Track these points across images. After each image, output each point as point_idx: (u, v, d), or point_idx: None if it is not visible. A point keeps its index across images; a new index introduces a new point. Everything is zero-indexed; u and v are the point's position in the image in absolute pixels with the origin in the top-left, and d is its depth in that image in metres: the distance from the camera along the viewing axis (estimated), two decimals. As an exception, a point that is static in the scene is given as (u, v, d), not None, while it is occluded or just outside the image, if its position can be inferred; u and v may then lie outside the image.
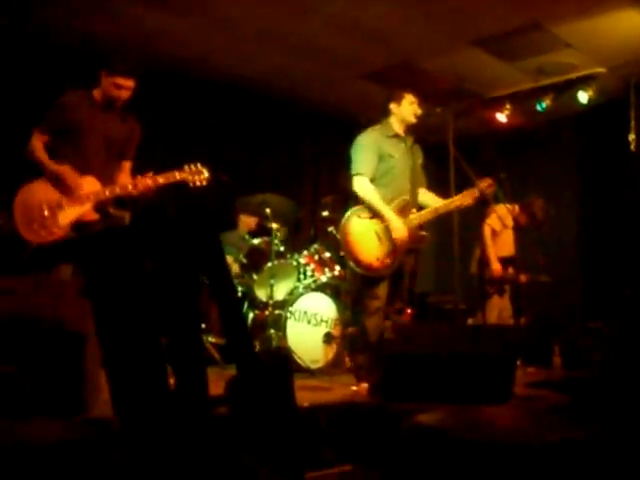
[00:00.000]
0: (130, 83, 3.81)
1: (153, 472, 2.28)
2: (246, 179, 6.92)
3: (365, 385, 4.17)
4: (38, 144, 3.77)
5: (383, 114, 4.61)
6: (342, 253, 4.58)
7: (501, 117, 7.52)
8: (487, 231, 5.98)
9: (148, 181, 3.75)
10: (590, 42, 6.24)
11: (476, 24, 5.97)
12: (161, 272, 2.59)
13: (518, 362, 4.48)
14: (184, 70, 6.71)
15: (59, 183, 3.68)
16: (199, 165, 3.84)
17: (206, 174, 3.82)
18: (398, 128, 4.55)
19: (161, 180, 3.76)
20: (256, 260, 5.76)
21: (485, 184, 4.59)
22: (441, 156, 4.80)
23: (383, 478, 2.93)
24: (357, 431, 3.44)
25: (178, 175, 3.79)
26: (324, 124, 8.05)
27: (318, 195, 7.48)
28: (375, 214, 4.38)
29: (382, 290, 4.35)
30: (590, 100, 7.00)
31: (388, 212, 4.36)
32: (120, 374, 2.44)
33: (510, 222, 5.86)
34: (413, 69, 6.85)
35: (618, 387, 4.47)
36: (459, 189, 4.59)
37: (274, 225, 5.69)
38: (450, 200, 4.51)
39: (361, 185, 4.40)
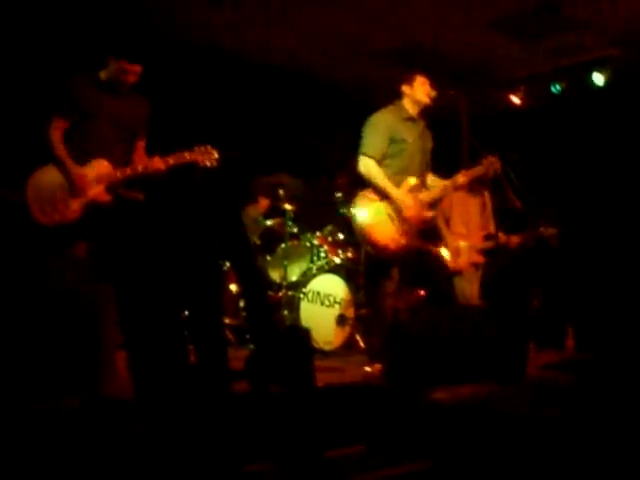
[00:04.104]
0: (137, 68, 3.82)
1: (172, 446, 2.32)
2: (259, 160, 6.92)
3: (378, 366, 4.19)
4: (57, 134, 3.76)
5: (396, 96, 4.60)
6: (358, 238, 4.55)
7: (515, 99, 7.47)
8: (438, 216, 5.97)
9: (159, 162, 3.77)
10: (606, 23, 6.19)
11: (491, 5, 5.93)
12: (182, 250, 2.61)
13: (531, 345, 4.49)
14: (199, 49, 6.70)
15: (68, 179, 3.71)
16: (209, 147, 3.86)
17: (216, 155, 3.84)
18: (412, 110, 4.54)
19: (171, 161, 3.79)
20: (269, 241, 5.78)
21: (489, 162, 4.61)
22: (454, 137, 4.81)
23: (399, 457, 2.96)
24: (370, 411, 3.47)
25: (188, 156, 3.81)
26: (340, 104, 8.02)
27: (332, 176, 7.47)
28: (383, 195, 4.38)
29: (396, 271, 4.37)
30: (606, 82, 6.94)
31: (395, 191, 4.37)
32: (141, 351, 2.47)
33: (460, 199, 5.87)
34: (428, 50, 6.81)
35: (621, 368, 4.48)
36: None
37: (287, 206, 5.70)
38: (455, 178, 4.53)
39: (366, 166, 4.38)
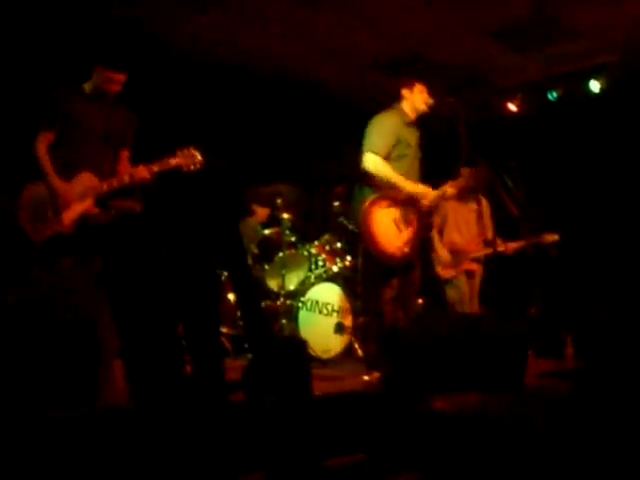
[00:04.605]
0: (121, 77, 3.82)
1: (168, 457, 2.31)
2: (258, 169, 6.92)
3: (377, 374, 4.18)
4: (42, 148, 3.75)
5: (395, 100, 4.61)
6: (364, 244, 4.52)
7: (512, 107, 7.49)
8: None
9: (143, 171, 3.77)
10: (602, 30, 6.20)
11: (487, 14, 5.95)
12: (178, 260, 2.61)
13: (529, 353, 4.49)
14: (195, 57, 6.71)
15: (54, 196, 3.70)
16: (192, 149, 3.85)
17: (199, 157, 3.83)
18: (411, 115, 4.56)
19: (156, 168, 3.78)
20: (267, 250, 5.78)
21: (468, 174, 4.65)
22: (452, 145, 4.82)
23: (398, 466, 2.95)
24: (369, 420, 3.46)
25: (172, 161, 3.81)
26: (337, 114, 8.03)
27: (330, 185, 7.48)
28: (393, 201, 4.37)
29: (396, 280, 4.38)
30: (602, 89, 6.96)
31: (408, 184, 4.37)
32: (137, 361, 2.46)
33: (455, 207, 5.89)
34: (424, 59, 6.83)
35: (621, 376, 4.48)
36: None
37: (285, 215, 5.70)
38: (443, 188, 4.54)
39: (374, 162, 4.35)
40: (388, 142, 4.39)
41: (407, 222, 4.40)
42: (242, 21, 6.14)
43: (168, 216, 3.20)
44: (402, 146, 4.44)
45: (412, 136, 4.52)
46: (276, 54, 6.76)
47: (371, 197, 4.38)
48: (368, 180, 4.42)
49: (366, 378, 4.26)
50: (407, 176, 4.44)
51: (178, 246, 2.68)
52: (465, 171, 4.73)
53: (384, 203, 4.38)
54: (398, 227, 4.37)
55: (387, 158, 4.40)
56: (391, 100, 4.68)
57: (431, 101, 4.56)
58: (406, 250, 4.36)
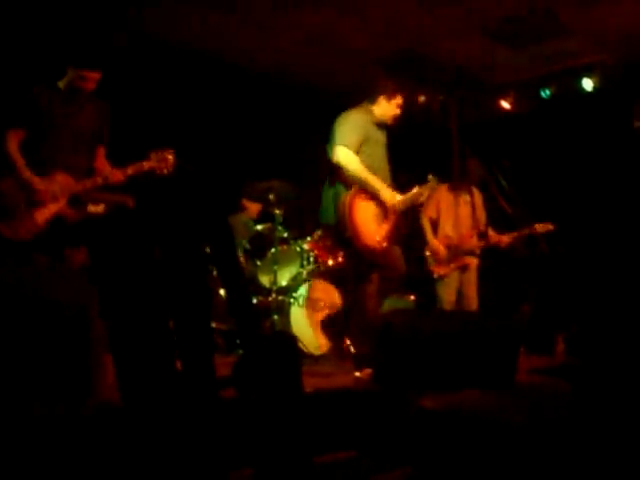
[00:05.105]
0: (96, 75, 3.80)
1: (159, 453, 2.30)
2: (250, 166, 6.91)
3: (368, 371, 4.17)
4: (14, 145, 3.72)
5: (368, 100, 4.60)
6: (347, 235, 4.44)
7: (505, 105, 7.49)
8: (424, 219, 5.97)
9: (117, 173, 3.78)
10: (594, 28, 6.22)
11: (481, 11, 5.95)
12: (169, 257, 2.59)
13: (521, 350, 4.49)
14: (189, 53, 6.70)
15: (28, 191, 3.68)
16: (165, 152, 3.85)
17: (171, 160, 3.84)
18: (381, 118, 4.56)
19: (130, 171, 3.80)
20: (259, 246, 5.76)
21: (434, 182, 4.62)
22: (444, 142, 4.82)
23: (389, 463, 2.95)
24: (360, 417, 3.46)
25: (146, 165, 3.82)
26: (330, 110, 8.02)
27: (323, 181, 7.47)
28: (371, 196, 4.36)
29: (376, 275, 4.39)
30: (595, 87, 6.97)
31: (377, 182, 4.36)
32: (127, 356, 2.45)
33: (449, 200, 5.92)
34: (417, 56, 6.83)
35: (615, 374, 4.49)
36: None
37: (277, 211, 5.69)
38: (412, 193, 4.52)
39: (346, 155, 4.32)
40: (359, 137, 4.39)
41: (384, 217, 4.40)
42: (241, 21, 6.15)
43: (159, 211, 3.19)
44: (371, 143, 4.44)
45: (381, 136, 4.53)
46: (271, 51, 6.75)
47: (351, 190, 4.37)
48: (338, 176, 4.41)
49: (357, 375, 4.26)
50: (376, 176, 4.44)
51: (169, 241, 2.66)
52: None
53: (364, 196, 4.37)
54: (377, 221, 4.37)
55: (356, 153, 4.39)
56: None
57: (398, 115, 4.57)
58: (384, 245, 4.36)
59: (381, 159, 4.52)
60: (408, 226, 4.54)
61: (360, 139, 4.39)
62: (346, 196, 4.34)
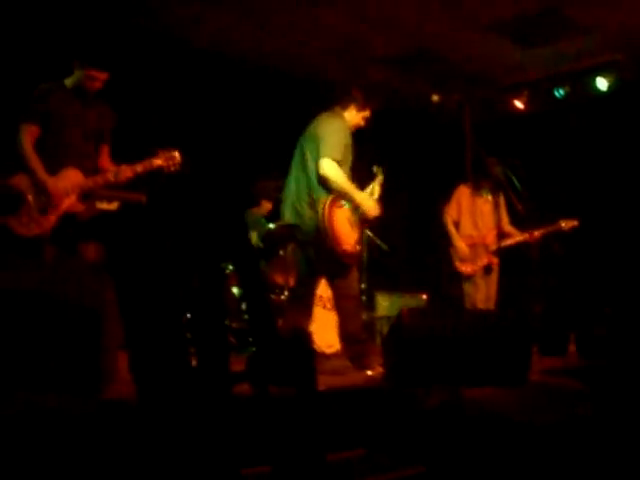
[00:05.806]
0: (103, 75, 3.83)
1: (172, 448, 2.31)
2: (262, 165, 6.93)
3: (380, 369, 4.18)
4: (29, 143, 3.74)
5: (340, 105, 4.59)
6: (328, 246, 4.33)
7: (519, 104, 7.47)
8: (447, 220, 6.03)
9: (127, 170, 3.81)
10: (609, 28, 6.19)
11: (494, 10, 5.94)
12: (184, 253, 2.61)
13: (533, 350, 4.48)
14: (197, 50, 6.73)
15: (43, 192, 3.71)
16: (172, 150, 3.89)
17: (178, 158, 3.88)
18: (348, 124, 4.58)
19: (139, 169, 3.82)
20: (272, 245, 5.78)
21: (380, 173, 4.69)
22: (458, 142, 4.81)
23: (399, 462, 2.95)
24: (372, 415, 3.46)
25: (154, 162, 3.85)
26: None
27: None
28: (344, 202, 4.40)
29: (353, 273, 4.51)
30: (609, 87, 6.94)
31: (360, 194, 4.44)
32: (142, 352, 2.47)
33: (469, 200, 5.93)
34: (430, 56, 6.82)
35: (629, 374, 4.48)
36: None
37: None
38: (374, 192, 4.64)
39: (334, 169, 4.31)
40: (342, 147, 4.41)
41: (355, 222, 4.46)
42: (257, 25, 6.18)
43: (174, 209, 3.21)
44: (348, 150, 4.46)
45: (351, 141, 4.54)
46: (282, 51, 6.77)
47: (329, 198, 4.35)
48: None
49: (369, 373, 4.27)
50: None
51: (184, 238, 2.68)
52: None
53: (339, 203, 4.39)
54: (350, 225, 4.42)
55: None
56: (397, 98, 4.68)
57: (361, 126, 4.60)
58: (358, 248, 4.51)
59: (350, 163, 4.55)
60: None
61: (342, 147, 4.42)
62: (324, 204, 4.33)
